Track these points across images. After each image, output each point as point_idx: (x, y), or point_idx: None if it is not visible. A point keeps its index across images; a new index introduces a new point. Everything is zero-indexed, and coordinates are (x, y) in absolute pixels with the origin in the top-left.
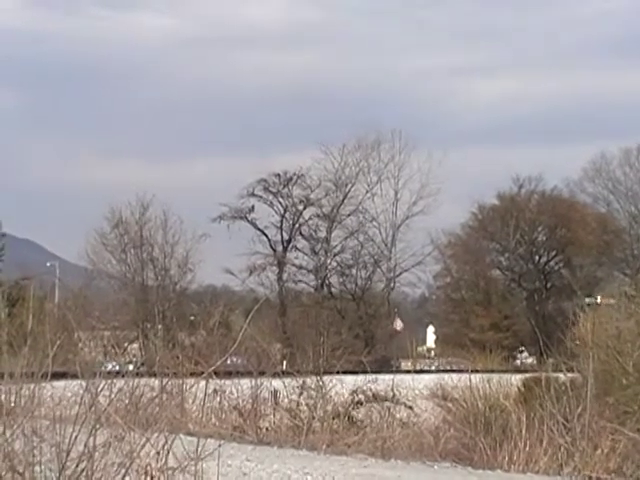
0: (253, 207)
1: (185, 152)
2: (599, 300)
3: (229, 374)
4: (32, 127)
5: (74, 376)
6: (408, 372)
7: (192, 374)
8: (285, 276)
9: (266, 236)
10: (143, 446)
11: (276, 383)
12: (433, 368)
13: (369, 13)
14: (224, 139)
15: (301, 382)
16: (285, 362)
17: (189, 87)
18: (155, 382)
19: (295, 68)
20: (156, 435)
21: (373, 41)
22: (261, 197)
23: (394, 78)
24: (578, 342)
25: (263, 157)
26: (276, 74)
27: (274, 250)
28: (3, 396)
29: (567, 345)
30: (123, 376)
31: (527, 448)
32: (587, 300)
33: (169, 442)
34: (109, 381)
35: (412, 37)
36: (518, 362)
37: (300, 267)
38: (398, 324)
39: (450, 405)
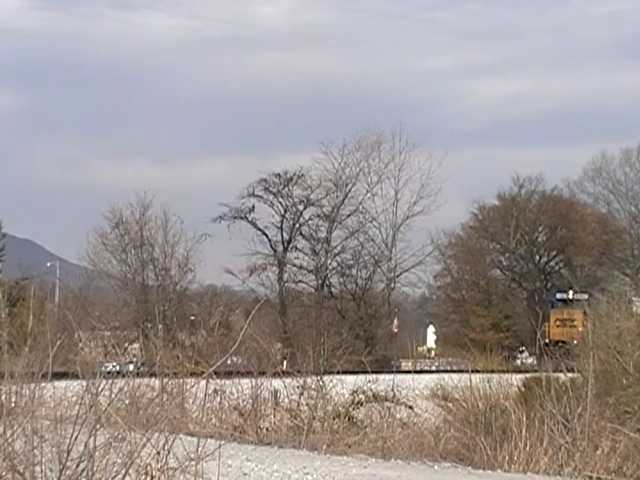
0: (253, 207)
1: (187, 152)
2: (570, 295)
3: (229, 374)
4: (34, 127)
5: (75, 376)
6: (408, 372)
7: (192, 374)
8: (285, 276)
9: (266, 236)
10: (143, 446)
11: (276, 383)
12: (433, 368)
13: (372, 15)
14: (226, 139)
15: (301, 382)
16: (285, 362)
17: (191, 88)
18: (155, 382)
19: (297, 69)
20: (156, 435)
21: (375, 42)
22: (261, 197)
23: (394, 79)
24: (548, 340)
25: (265, 157)
26: (278, 75)
27: (274, 250)
28: (4, 396)
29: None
30: (123, 376)
31: (527, 448)
32: (558, 295)
33: (169, 442)
34: (110, 381)
35: (413, 39)
36: (518, 362)
37: (300, 267)
38: (394, 324)
39: (450, 405)
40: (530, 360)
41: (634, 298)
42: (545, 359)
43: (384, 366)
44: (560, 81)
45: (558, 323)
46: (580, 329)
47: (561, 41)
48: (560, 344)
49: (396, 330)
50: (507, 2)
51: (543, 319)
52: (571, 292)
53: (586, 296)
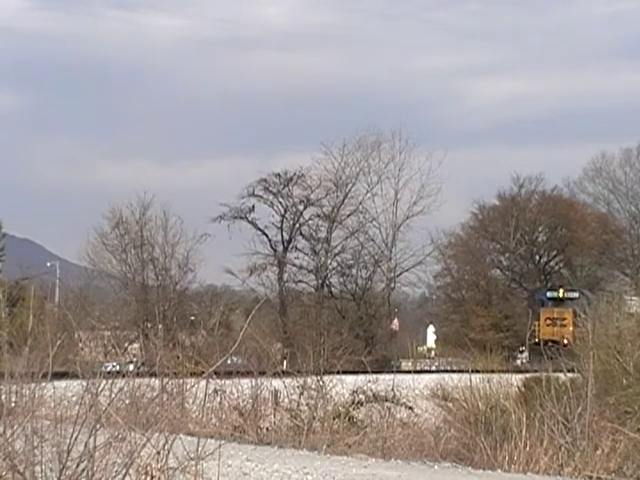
0: (253, 207)
1: (187, 152)
2: (561, 294)
3: (229, 374)
4: (34, 127)
5: (75, 376)
6: (408, 372)
7: (192, 374)
8: (285, 276)
9: (266, 236)
10: (143, 446)
11: (276, 383)
12: (433, 368)
13: (372, 15)
14: (227, 140)
15: (301, 382)
16: (285, 362)
17: (192, 88)
18: (155, 382)
19: (297, 69)
20: (156, 435)
21: (375, 42)
22: (261, 197)
23: (395, 79)
24: (538, 340)
25: (266, 157)
26: (278, 75)
27: (274, 250)
28: (4, 396)
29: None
30: (124, 376)
31: (527, 448)
32: (549, 294)
33: (169, 442)
34: (110, 381)
35: (413, 39)
36: (518, 362)
37: (300, 267)
38: (394, 324)
39: (450, 405)
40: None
41: (634, 297)
42: (536, 358)
43: (384, 366)
44: (560, 81)
45: (548, 322)
46: (570, 328)
47: (561, 41)
48: (550, 343)
49: (397, 329)
50: (507, 2)
51: (533, 318)
52: (561, 290)
53: (577, 294)
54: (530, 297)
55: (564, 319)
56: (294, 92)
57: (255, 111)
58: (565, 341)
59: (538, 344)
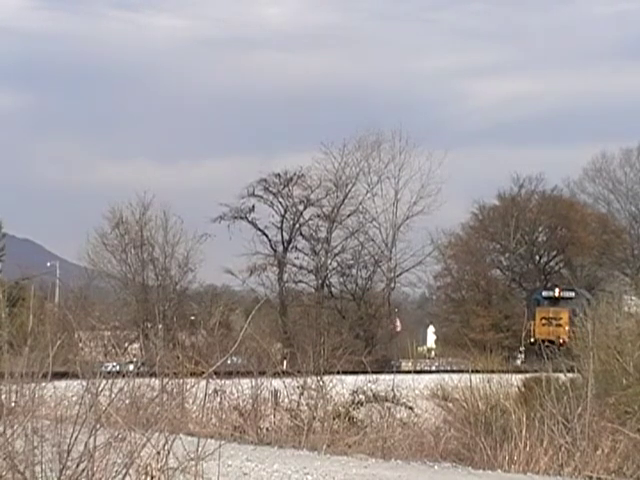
0: (253, 207)
1: (187, 152)
2: (557, 293)
3: (229, 374)
4: (35, 127)
5: (75, 376)
6: (408, 372)
7: (192, 374)
8: (285, 276)
9: (266, 236)
10: (143, 446)
11: (276, 383)
12: (433, 368)
13: (374, 15)
14: (227, 140)
15: (301, 382)
16: (285, 362)
17: (192, 88)
18: (155, 382)
19: (298, 69)
20: (156, 435)
21: (376, 42)
22: (261, 197)
23: (396, 78)
24: (534, 339)
25: (266, 157)
26: (279, 75)
27: (274, 250)
28: (4, 396)
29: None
30: (124, 376)
31: (527, 448)
32: (545, 293)
33: (169, 442)
34: (110, 381)
35: (415, 39)
36: (518, 362)
37: (300, 267)
38: (397, 324)
39: (450, 405)
40: None
41: (634, 297)
42: (532, 358)
43: (384, 366)
44: (561, 81)
45: (544, 322)
46: (566, 328)
47: (563, 41)
48: (546, 343)
49: (399, 329)
50: (509, 2)
51: (530, 318)
52: (557, 290)
53: (573, 294)
54: (528, 297)
55: (560, 319)
56: (294, 92)
57: (255, 111)
58: (561, 341)
59: (534, 344)
